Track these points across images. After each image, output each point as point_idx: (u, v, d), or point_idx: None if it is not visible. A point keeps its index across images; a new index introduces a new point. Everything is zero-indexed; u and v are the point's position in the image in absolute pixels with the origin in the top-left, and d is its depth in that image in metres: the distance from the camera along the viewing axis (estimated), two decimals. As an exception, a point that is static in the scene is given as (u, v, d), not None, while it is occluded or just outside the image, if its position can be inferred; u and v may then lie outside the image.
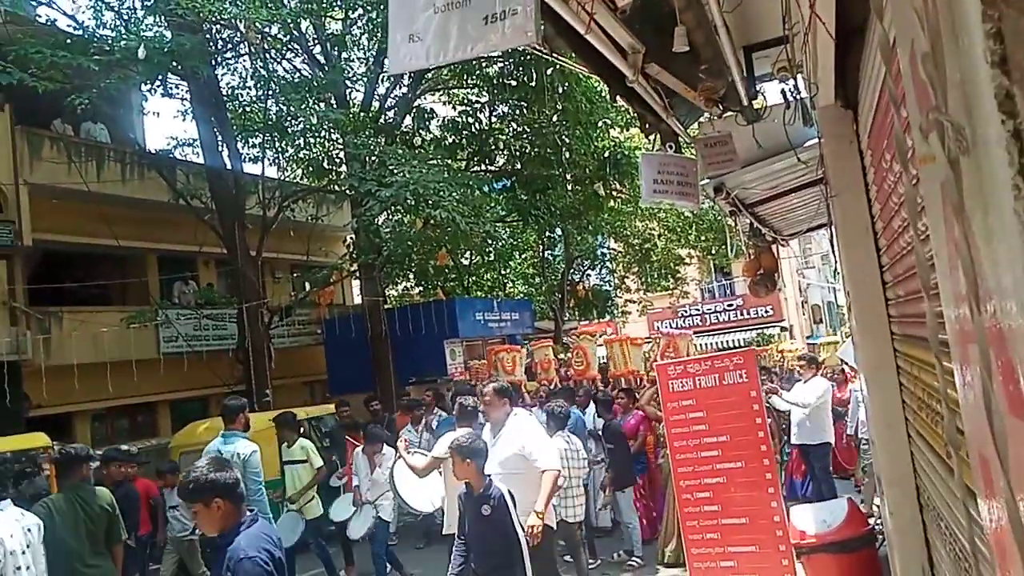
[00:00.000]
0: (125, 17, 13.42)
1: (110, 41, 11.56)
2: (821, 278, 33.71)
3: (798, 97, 3.93)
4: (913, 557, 3.86)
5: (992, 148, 0.80)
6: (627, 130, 16.56)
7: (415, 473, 5.87)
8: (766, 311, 26.16)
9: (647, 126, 4.03)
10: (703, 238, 22.55)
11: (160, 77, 12.96)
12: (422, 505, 6.44)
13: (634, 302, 24.59)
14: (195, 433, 10.32)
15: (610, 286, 24.35)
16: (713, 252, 23.87)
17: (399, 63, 2.20)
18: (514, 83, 15.47)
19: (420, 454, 6.52)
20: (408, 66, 2.21)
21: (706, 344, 22.97)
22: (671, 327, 26.51)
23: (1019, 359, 0.78)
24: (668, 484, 7.34)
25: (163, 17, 12.33)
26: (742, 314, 26.87)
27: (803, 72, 3.69)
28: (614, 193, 17.32)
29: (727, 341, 26.30)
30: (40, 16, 13.39)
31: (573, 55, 3.16)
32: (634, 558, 7.44)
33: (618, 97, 3.59)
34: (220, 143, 14.11)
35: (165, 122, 46.40)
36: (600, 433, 8.39)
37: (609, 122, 16.24)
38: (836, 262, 4.52)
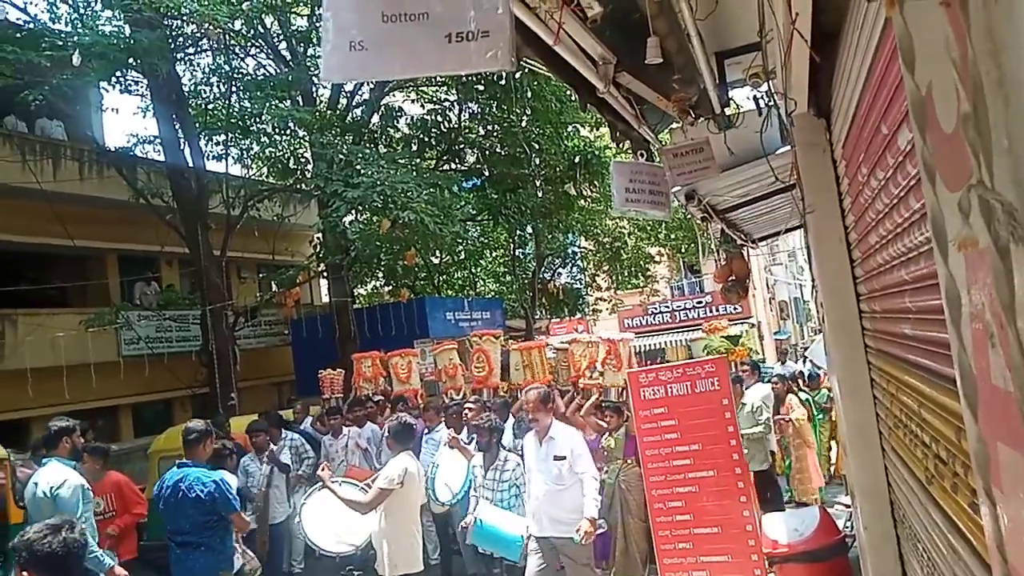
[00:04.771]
0: (80, 11, 12.98)
1: (63, 36, 11.16)
2: (788, 275, 34.13)
3: (771, 105, 3.85)
4: (886, 571, 3.83)
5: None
6: (597, 129, 16.49)
7: (357, 510, 5.01)
8: (735, 307, 26.33)
9: (618, 134, 3.92)
10: (672, 236, 22.65)
11: (118, 74, 12.57)
12: (332, 546, 5.66)
13: (605, 300, 24.63)
14: (177, 438, 9.21)
15: (581, 284, 24.37)
16: (682, 250, 23.99)
17: (334, 70, 1.96)
18: (483, 83, 15.31)
19: (350, 484, 5.73)
20: (345, 76, 2.01)
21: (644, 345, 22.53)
22: (641, 324, 26.68)
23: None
24: (613, 501, 6.54)
25: (120, 12, 11.93)
26: (711, 311, 27.04)
27: (775, 79, 3.60)
28: (584, 193, 17.26)
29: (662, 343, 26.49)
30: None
31: (542, 63, 3.03)
32: None
33: (588, 105, 3.47)
34: (182, 141, 13.75)
35: (125, 119, 45.33)
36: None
37: (580, 123, 16.16)
38: (810, 271, 4.46)
